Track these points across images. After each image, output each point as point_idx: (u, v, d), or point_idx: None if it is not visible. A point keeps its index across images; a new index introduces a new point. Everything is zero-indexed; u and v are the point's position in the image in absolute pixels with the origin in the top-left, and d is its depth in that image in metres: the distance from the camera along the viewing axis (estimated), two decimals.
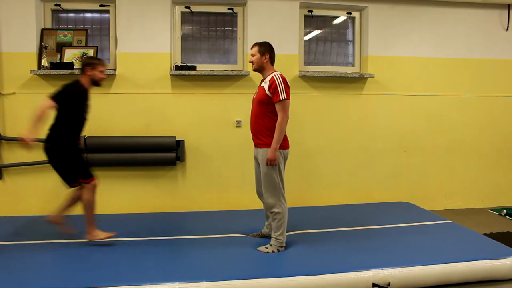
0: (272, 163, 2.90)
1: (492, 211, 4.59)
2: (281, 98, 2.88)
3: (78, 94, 3.09)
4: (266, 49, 3.03)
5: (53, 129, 3.11)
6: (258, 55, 3.02)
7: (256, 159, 3.13)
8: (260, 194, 3.21)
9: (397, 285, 2.67)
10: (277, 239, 2.99)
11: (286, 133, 3.02)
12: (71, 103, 3.05)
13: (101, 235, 3.14)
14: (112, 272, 2.66)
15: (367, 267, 2.71)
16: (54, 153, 3.09)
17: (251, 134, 3.11)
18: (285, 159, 3.04)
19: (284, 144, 3.01)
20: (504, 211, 4.45)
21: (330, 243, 3.19)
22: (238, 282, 2.55)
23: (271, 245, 3.00)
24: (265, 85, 2.95)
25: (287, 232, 3.08)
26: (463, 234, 3.45)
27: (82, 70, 3.12)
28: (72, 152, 3.14)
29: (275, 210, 2.96)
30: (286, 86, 2.93)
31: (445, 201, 4.75)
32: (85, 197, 3.11)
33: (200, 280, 2.53)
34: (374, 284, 2.64)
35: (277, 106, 2.90)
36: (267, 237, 3.22)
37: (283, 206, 2.99)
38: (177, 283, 2.51)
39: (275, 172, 2.94)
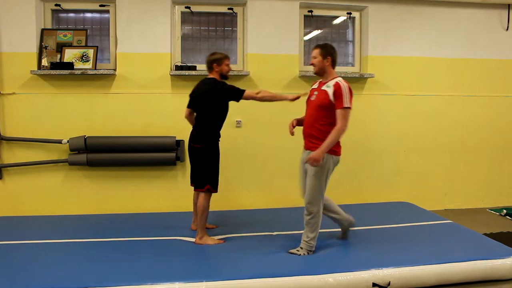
0: (313, 164, 2.83)
1: (492, 211, 4.59)
2: (344, 106, 2.83)
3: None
4: (328, 51, 2.95)
5: (203, 128, 3.18)
6: (319, 57, 2.94)
7: (303, 162, 3.04)
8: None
9: (397, 285, 2.67)
10: (308, 243, 2.96)
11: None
12: (222, 102, 3.16)
13: (210, 241, 3.15)
14: (112, 272, 2.66)
15: (367, 267, 2.70)
16: (203, 154, 3.15)
17: (303, 137, 3.04)
18: (335, 165, 3.01)
19: (337, 150, 2.97)
20: (504, 211, 4.45)
21: (330, 243, 3.19)
22: (238, 282, 2.55)
23: (301, 248, 2.98)
24: (328, 90, 2.87)
25: (286, 232, 3.07)
26: (463, 234, 3.45)
27: (210, 67, 3.24)
28: (217, 155, 3.21)
29: (312, 213, 2.93)
30: (351, 94, 2.90)
31: (445, 201, 4.75)
32: (204, 203, 3.15)
33: (200, 280, 2.53)
34: (374, 284, 2.64)
35: (338, 113, 2.84)
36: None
37: (320, 211, 2.96)
38: (177, 283, 2.51)
39: (323, 175, 2.91)
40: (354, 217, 3.24)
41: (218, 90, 3.14)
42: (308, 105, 3.04)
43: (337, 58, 3.01)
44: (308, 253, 2.96)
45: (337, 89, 2.84)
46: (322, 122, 2.90)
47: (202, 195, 3.17)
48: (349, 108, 2.87)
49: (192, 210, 3.48)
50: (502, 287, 2.79)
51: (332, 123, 2.87)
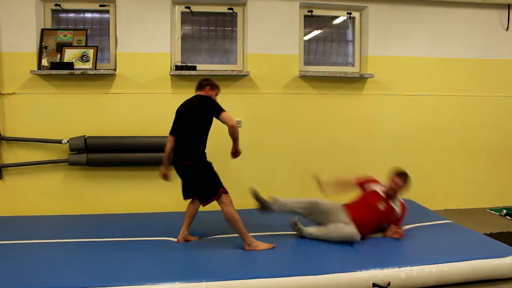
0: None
1: (492, 211, 4.58)
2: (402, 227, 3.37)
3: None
4: (408, 182, 3.36)
5: (191, 144, 3.08)
6: (403, 186, 3.34)
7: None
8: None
9: (397, 285, 2.67)
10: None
11: None
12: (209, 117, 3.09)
13: (261, 245, 3.04)
14: (112, 272, 2.66)
15: (367, 267, 2.70)
16: (195, 170, 3.06)
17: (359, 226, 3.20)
18: None
19: None
20: (504, 211, 4.45)
21: (330, 243, 3.18)
22: (238, 282, 2.55)
23: None
24: (396, 208, 3.35)
25: (286, 231, 3.08)
26: (463, 234, 3.45)
27: (203, 87, 3.23)
28: (209, 163, 3.16)
29: None
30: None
31: (445, 201, 4.75)
32: (228, 211, 3.03)
33: (200, 280, 2.53)
34: (374, 284, 2.63)
35: (398, 228, 3.33)
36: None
37: None
38: (177, 283, 2.51)
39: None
40: None
41: (210, 103, 3.08)
42: (371, 205, 3.33)
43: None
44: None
45: (404, 210, 3.41)
46: (379, 226, 3.36)
47: (222, 206, 3.05)
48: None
49: (198, 210, 3.41)
50: (502, 287, 2.79)
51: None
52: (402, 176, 3.34)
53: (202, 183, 3.06)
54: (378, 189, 3.41)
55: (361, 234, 3.17)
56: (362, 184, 3.54)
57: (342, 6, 4.52)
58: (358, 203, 3.38)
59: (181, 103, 3.25)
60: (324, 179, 3.51)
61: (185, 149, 3.06)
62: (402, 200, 3.41)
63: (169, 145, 3.23)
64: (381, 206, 3.32)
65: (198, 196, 3.12)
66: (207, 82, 3.26)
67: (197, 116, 3.07)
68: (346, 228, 3.12)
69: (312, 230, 3.23)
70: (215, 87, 3.27)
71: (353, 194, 3.57)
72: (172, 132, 3.25)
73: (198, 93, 3.25)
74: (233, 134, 3.08)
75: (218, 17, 4.48)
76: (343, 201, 3.43)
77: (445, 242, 3.23)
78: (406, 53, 4.56)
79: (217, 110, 3.02)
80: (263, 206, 3.29)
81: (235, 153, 3.20)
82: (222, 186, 3.09)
